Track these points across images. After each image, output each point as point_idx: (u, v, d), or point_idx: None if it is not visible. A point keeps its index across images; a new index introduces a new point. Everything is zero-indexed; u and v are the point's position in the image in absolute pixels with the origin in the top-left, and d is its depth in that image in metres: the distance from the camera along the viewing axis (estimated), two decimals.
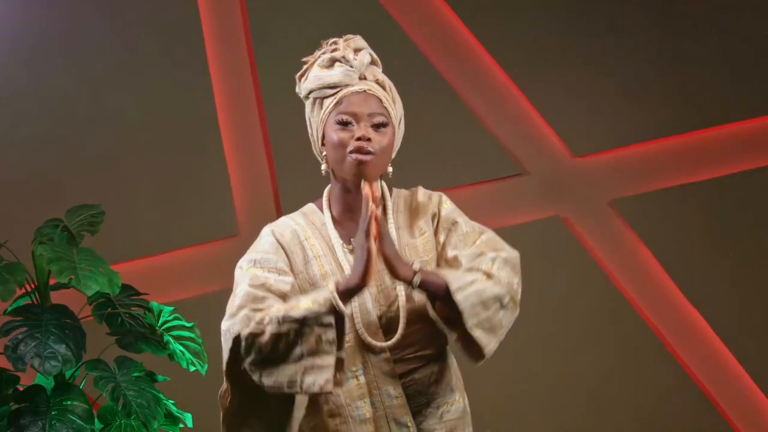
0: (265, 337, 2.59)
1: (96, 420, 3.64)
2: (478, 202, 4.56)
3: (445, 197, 2.83)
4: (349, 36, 2.80)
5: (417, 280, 2.61)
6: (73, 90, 4.84)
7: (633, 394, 4.82)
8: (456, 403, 2.80)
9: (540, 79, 4.76)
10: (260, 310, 2.63)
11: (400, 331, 2.71)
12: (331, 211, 2.80)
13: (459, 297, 2.62)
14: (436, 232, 2.79)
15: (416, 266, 2.63)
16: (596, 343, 4.84)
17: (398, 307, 2.72)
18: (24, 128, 4.84)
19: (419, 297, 2.72)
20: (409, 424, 2.71)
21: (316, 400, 2.73)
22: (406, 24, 4.67)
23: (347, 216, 2.79)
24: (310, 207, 2.84)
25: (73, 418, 3.55)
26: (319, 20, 4.82)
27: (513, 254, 2.74)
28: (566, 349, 4.85)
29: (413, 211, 2.80)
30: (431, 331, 2.75)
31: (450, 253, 2.76)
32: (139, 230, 4.81)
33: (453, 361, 2.84)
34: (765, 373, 4.69)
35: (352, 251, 2.75)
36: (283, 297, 2.68)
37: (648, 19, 4.79)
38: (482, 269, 2.67)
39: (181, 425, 3.78)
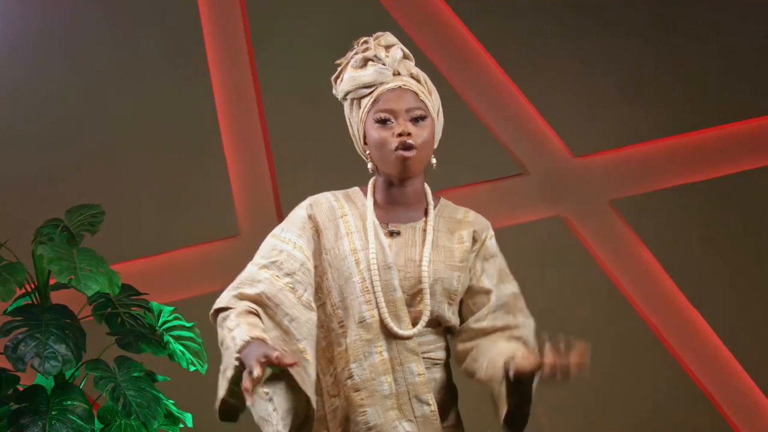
0: (219, 331, 2.74)
1: (96, 420, 3.64)
2: (478, 202, 4.54)
3: (491, 229, 2.87)
4: (379, 33, 2.82)
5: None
6: (73, 90, 4.84)
7: (633, 394, 4.82)
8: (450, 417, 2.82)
9: (540, 79, 4.77)
10: (245, 297, 2.72)
11: (424, 319, 2.73)
12: (374, 197, 2.83)
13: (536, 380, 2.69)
14: (476, 257, 2.82)
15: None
16: (596, 343, 4.82)
17: (422, 297, 2.74)
18: (24, 128, 4.84)
19: (439, 299, 2.75)
20: (431, 402, 2.72)
21: (338, 376, 2.77)
22: (406, 24, 4.67)
23: (389, 204, 2.81)
24: (354, 189, 2.87)
25: (73, 418, 3.55)
26: (319, 20, 4.83)
27: (533, 323, 2.86)
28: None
29: (458, 222, 2.83)
30: (438, 337, 2.78)
31: (486, 283, 2.80)
32: (139, 230, 4.81)
33: (449, 375, 2.84)
34: (765, 373, 4.69)
35: (387, 233, 2.78)
36: (291, 275, 2.72)
37: (648, 19, 4.79)
38: (528, 341, 2.81)
39: (181, 425, 3.78)
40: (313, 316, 2.74)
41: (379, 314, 2.72)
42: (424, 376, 2.73)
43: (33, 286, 3.71)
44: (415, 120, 2.75)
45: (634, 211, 4.72)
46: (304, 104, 4.76)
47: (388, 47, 2.80)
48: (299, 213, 2.82)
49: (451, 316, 2.78)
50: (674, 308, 4.68)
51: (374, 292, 2.73)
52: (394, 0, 4.71)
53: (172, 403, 3.76)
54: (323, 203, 2.83)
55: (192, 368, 3.76)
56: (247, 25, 4.75)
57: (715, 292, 4.76)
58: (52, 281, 3.69)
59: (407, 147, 2.72)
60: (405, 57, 2.81)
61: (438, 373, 2.77)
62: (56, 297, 3.75)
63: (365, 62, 2.79)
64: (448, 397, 2.80)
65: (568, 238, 4.71)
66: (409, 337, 2.72)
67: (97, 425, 3.64)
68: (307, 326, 2.71)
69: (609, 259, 4.69)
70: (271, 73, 4.78)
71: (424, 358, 2.74)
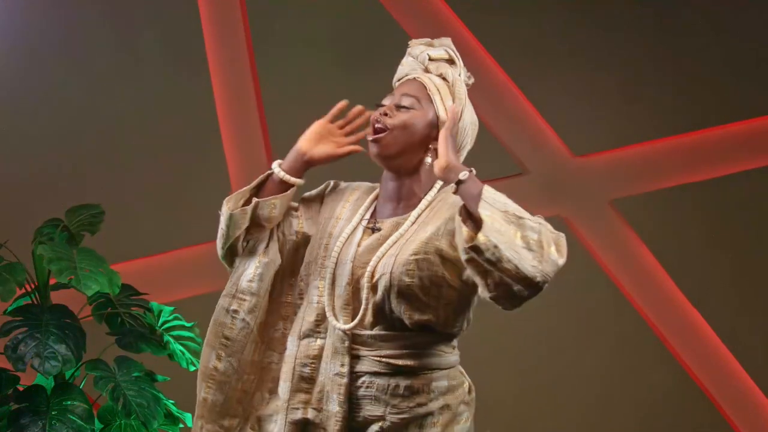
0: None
1: (96, 420, 3.64)
2: None
3: None
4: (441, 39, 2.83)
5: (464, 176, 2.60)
6: (73, 90, 4.84)
7: (633, 394, 4.82)
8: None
9: (540, 79, 4.77)
10: None
11: (356, 319, 2.68)
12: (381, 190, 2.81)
13: (487, 200, 2.55)
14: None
15: (463, 176, 2.61)
16: (596, 343, 4.84)
17: (362, 298, 2.69)
18: (24, 128, 4.84)
19: (391, 296, 2.67)
20: (340, 406, 2.67)
21: (275, 337, 2.80)
22: (406, 24, 4.67)
23: (384, 199, 2.78)
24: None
25: (73, 418, 3.55)
26: (319, 20, 4.83)
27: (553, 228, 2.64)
28: (566, 349, 4.85)
29: (450, 205, 2.72)
30: (406, 342, 2.68)
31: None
32: (139, 230, 4.81)
33: (439, 394, 2.71)
34: (765, 373, 4.69)
35: (368, 229, 2.75)
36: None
37: (648, 18, 4.79)
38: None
39: (181, 425, 3.78)
40: (276, 258, 2.78)
41: (324, 303, 2.71)
42: (343, 379, 2.67)
43: (33, 286, 3.71)
44: (401, 106, 2.72)
45: (635, 211, 4.72)
46: (304, 104, 4.75)
47: (430, 46, 2.80)
48: (322, 186, 2.88)
49: (418, 316, 2.65)
50: (674, 308, 4.68)
51: (326, 282, 2.72)
52: (394, 0, 4.71)
53: (172, 403, 3.76)
54: (342, 185, 2.87)
55: (192, 368, 3.76)
56: (247, 25, 4.75)
57: (716, 291, 4.77)
58: (52, 281, 3.69)
59: (377, 129, 2.71)
60: (449, 61, 2.79)
61: (402, 381, 2.67)
62: (56, 297, 3.75)
63: (407, 57, 2.82)
64: (411, 407, 2.67)
65: (568, 238, 4.68)
66: (344, 332, 2.68)
67: (97, 425, 3.64)
68: (272, 246, 2.79)
69: (609, 259, 4.69)
70: (271, 73, 4.78)
71: (380, 361, 2.67)
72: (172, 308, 3.88)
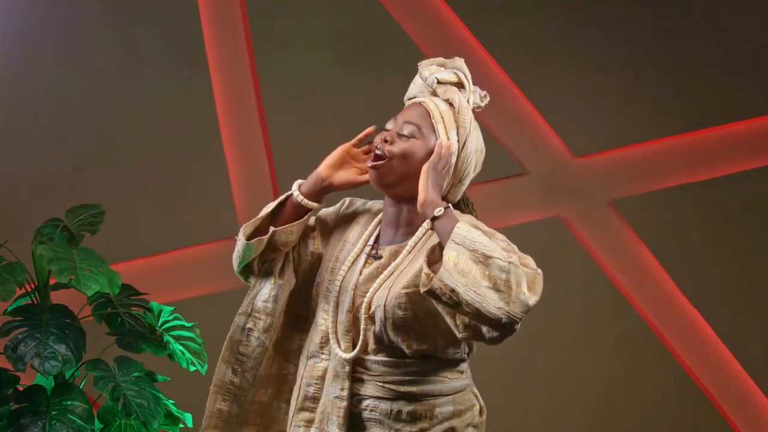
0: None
1: (96, 420, 3.64)
2: (478, 202, 4.55)
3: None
4: (455, 59, 2.77)
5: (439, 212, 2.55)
6: (73, 90, 4.84)
7: (633, 394, 4.82)
8: None
9: (540, 79, 4.77)
10: None
11: (356, 349, 2.68)
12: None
13: (459, 234, 2.50)
14: None
15: (438, 212, 2.56)
16: (596, 343, 4.84)
17: (361, 328, 2.68)
18: (24, 128, 4.84)
19: (388, 327, 2.66)
20: (337, 431, 2.67)
21: (292, 349, 2.82)
22: (406, 24, 4.67)
23: (385, 225, 2.76)
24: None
25: (73, 418, 3.55)
26: (319, 20, 4.83)
27: (533, 264, 2.58)
28: (566, 349, 4.85)
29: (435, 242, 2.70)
30: (408, 369, 2.67)
31: None
32: (139, 230, 4.82)
33: (443, 419, 2.69)
34: (765, 373, 4.69)
35: (370, 256, 2.73)
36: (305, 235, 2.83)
37: (648, 18, 4.79)
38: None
39: (181, 425, 3.78)
40: (291, 279, 2.79)
41: (328, 327, 2.72)
42: (342, 403, 2.67)
43: (33, 286, 3.71)
44: (402, 135, 2.68)
45: (634, 211, 4.72)
46: (304, 104, 4.76)
47: (442, 66, 2.74)
48: (336, 206, 2.87)
49: (416, 345, 2.65)
50: (674, 308, 4.68)
51: (330, 307, 2.72)
52: (394, 0, 4.70)
53: (172, 403, 3.76)
54: (358, 205, 2.85)
55: (192, 368, 3.76)
56: (247, 25, 4.75)
57: (716, 291, 4.77)
58: (52, 281, 3.69)
59: (377, 156, 2.68)
60: (457, 84, 2.72)
61: (404, 406, 2.66)
62: (56, 297, 3.75)
63: (418, 77, 2.76)
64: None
65: (568, 238, 4.71)
66: (346, 360, 2.68)
67: (97, 425, 3.64)
68: (287, 268, 2.79)
69: (609, 259, 4.69)
70: (271, 73, 4.78)
71: (383, 386, 2.66)
72: (172, 308, 3.88)
